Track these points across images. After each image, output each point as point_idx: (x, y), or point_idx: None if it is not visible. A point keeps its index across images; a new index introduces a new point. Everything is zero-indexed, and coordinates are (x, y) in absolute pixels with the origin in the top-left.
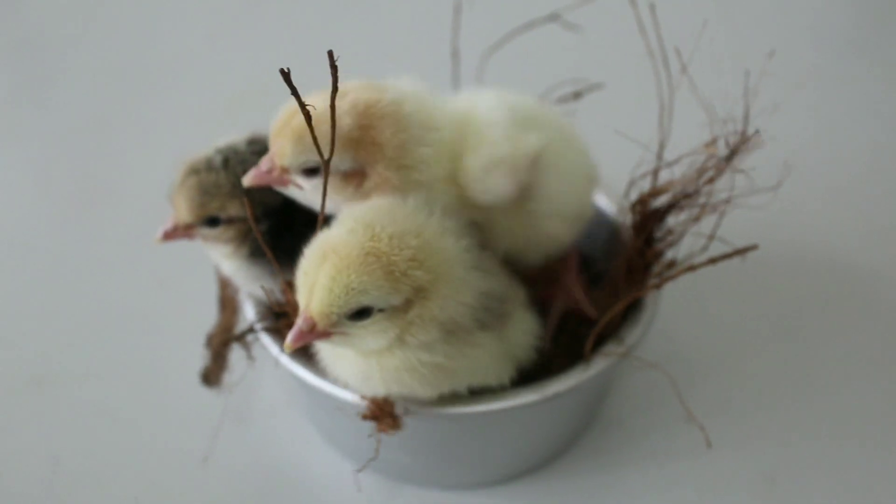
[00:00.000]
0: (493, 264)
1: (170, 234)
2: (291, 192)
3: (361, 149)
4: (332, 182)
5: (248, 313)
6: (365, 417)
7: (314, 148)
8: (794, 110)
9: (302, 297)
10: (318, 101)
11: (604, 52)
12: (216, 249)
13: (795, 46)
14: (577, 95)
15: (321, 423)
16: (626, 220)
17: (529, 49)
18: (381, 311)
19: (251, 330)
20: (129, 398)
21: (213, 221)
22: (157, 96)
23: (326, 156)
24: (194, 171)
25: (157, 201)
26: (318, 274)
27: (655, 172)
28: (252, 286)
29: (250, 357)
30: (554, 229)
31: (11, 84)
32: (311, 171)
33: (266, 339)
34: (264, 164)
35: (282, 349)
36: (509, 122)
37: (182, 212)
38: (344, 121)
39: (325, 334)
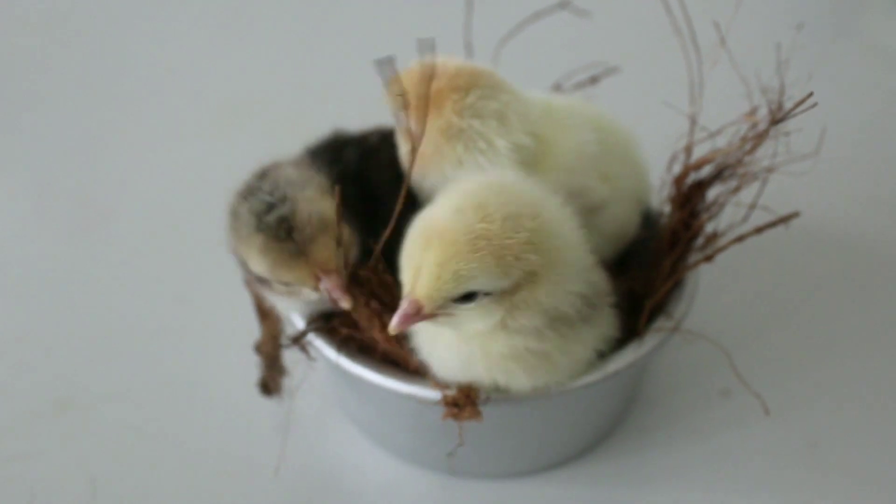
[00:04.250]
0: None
1: (343, 286)
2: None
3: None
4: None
5: (295, 317)
6: (447, 403)
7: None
8: (825, 81)
9: (406, 280)
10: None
11: (620, 35)
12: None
13: (822, 16)
14: (593, 80)
15: (371, 423)
16: (667, 193)
17: (544, 37)
18: (487, 294)
19: (306, 333)
20: (158, 414)
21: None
22: (148, 111)
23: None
24: (288, 222)
25: (160, 216)
26: (424, 258)
27: (688, 148)
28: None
29: (311, 359)
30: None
31: None
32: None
33: (320, 342)
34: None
35: (338, 351)
36: (597, 159)
37: (329, 252)
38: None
39: (431, 316)
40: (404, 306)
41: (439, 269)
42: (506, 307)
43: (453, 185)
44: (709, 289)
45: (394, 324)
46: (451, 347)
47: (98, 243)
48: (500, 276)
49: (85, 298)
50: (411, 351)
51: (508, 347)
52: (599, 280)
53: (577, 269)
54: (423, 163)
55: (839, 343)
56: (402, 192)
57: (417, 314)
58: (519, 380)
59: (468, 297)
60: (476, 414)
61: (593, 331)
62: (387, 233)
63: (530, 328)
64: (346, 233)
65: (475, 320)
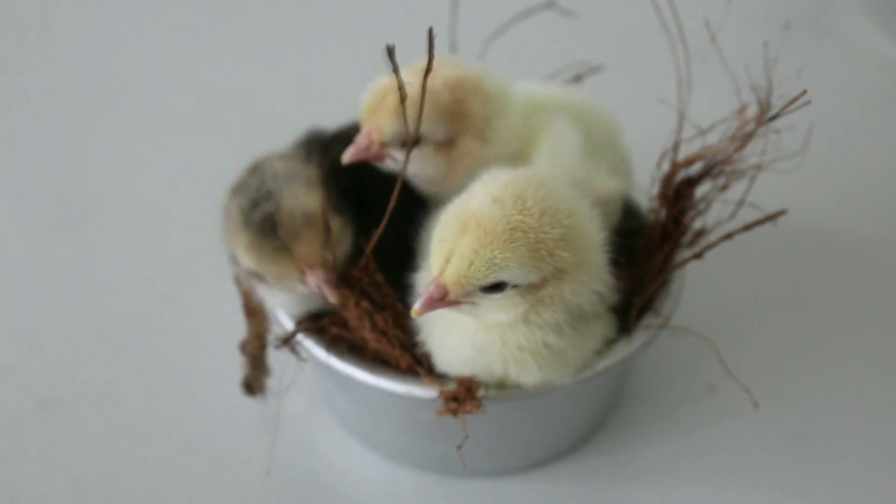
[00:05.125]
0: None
1: (330, 280)
2: (387, 165)
3: (455, 120)
4: (426, 153)
5: (283, 317)
6: (446, 398)
7: (414, 119)
8: (811, 79)
9: (436, 264)
10: (410, 78)
11: (611, 34)
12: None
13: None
14: (577, 78)
15: (359, 423)
16: (657, 191)
17: (532, 35)
18: (515, 286)
19: (295, 333)
20: (143, 414)
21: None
22: (128, 107)
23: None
24: (269, 216)
25: (141, 213)
26: (459, 243)
27: (676, 145)
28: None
29: (301, 359)
30: None
31: None
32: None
33: (310, 342)
34: (362, 140)
35: (328, 350)
36: (586, 156)
37: (314, 247)
38: (442, 95)
39: (455, 303)
40: (430, 290)
41: (473, 254)
42: (531, 301)
43: (490, 176)
44: (692, 285)
45: (417, 307)
46: (469, 335)
47: (79, 242)
48: (532, 270)
49: (67, 298)
50: (403, 349)
51: (528, 340)
52: (610, 278)
53: (600, 269)
54: (451, 177)
55: (822, 338)
56: (395, 192)
57: (442, 299)
58: (531, 373)
59: (496, 287)
60: (477, 406)
61: (601, 328)
62: (378, 232)
63: (552, 323)
64: (337, 224)
65: (499, 311)
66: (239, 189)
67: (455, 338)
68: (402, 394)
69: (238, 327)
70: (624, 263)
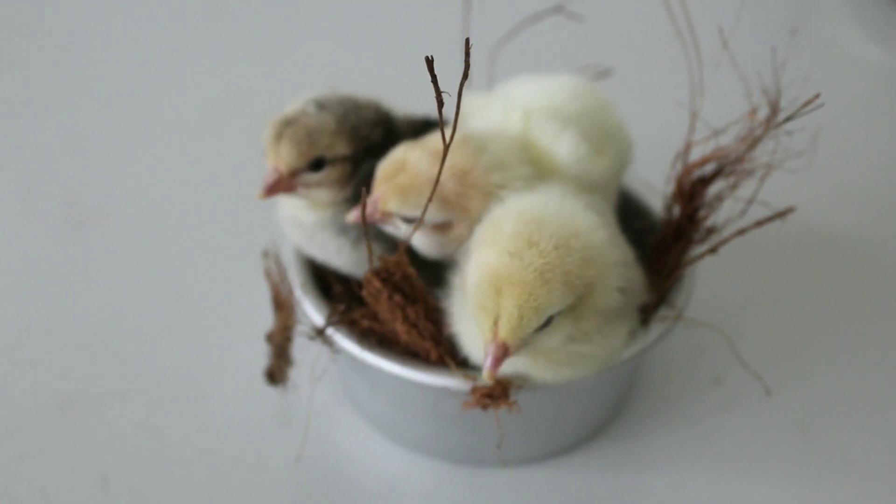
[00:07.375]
0: (630, 255)
1: (274, 187)
2: (388, 228)
3: (454, 210)
4: (423, 230)
5: (309, 309)
6: (482, 395)
7: (417, 205)
8: (820, 82)
9: (485, 329)
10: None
11: (623, 41)
12: (313, 196)
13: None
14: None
15: (383, 414)
16: (672, 190)
17: (541, 41)
18: (558, 313)
19: (328, 325)
20: (165, 409)
21: (318, 164)
22: (136, 106)
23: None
24: (292, 120)
25: (153, 212)
26: (502, 305)
27: (689, 146)
28: (335, 243)
29: (335, 351)
30: None
31: None
32: (409, 220)
33: (340, 336)
34: (369, 206)
35: (360, 344)
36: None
37: (287, 158)
38: (447, 185)
39: (516, 351)
40: (492, 351)
41: (520, 310)
42: (572, 318)
43: (489, 228)
44: (700, 279)
45: (490, 370)
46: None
47: (94, 241)
48: (570, 296)
49: (83, 296)
50: (434, 342)
51: (564, 354)
52: (635, 276)
53: (615, 265)
54: (444, 251)
55: (827, 332)
56: (431, 195)
57: (506, 354)
58: (564, 376)
59: (545, 323)
60: (510, 406)
61: (626, 325)
62: (414, 228)
63: (586, 333)
64: (335, 172)
65: (552, 339)
66: (330, 94)
67: None
68: (433, 386)
69: (256, 321)
70: (639, 259)
